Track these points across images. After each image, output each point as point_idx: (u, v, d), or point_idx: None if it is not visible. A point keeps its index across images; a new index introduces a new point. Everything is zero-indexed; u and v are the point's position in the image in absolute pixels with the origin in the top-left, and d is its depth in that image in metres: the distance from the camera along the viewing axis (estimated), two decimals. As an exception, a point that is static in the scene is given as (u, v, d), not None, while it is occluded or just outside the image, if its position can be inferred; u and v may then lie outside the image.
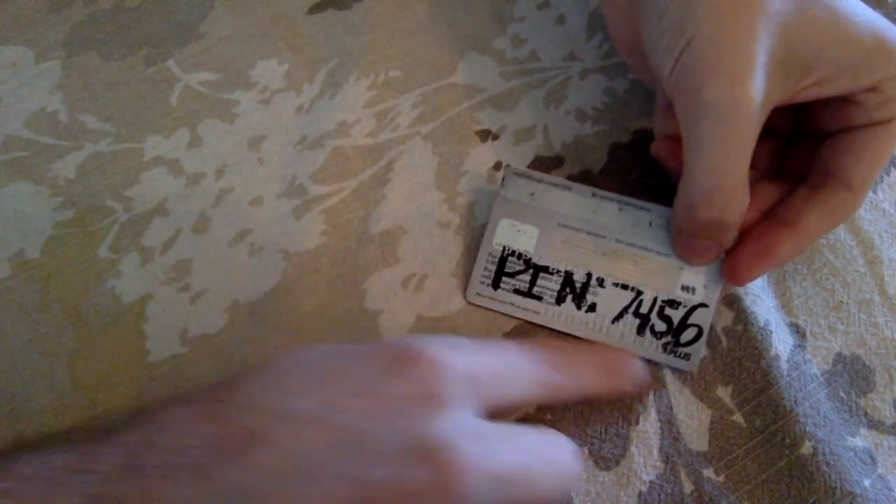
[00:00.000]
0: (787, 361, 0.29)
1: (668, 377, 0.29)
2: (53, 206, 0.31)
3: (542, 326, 0.30)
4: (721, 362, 0.30)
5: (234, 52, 0.34)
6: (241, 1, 0.35)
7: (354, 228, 0.32)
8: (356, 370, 0.23)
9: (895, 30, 0.25)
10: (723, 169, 0.25)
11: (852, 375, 0.30)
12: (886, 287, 0.31)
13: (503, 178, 0.30)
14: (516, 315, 0.30)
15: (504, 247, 0.30)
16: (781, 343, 0.30)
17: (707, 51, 0.24)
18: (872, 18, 0.25)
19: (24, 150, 0.32)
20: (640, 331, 0.29)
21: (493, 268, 0.30)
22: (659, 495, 0.28)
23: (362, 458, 0.21)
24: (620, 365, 0.28)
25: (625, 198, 0.30)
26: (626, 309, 0.29)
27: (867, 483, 0.28)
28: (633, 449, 0.28)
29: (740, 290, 0.30)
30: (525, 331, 0.30)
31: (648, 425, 0.29)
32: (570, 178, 0.32)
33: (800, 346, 0.30)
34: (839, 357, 0.30)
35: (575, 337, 0.30)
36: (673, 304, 0.29)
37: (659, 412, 0.29)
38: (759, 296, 0.30)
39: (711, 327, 0.30)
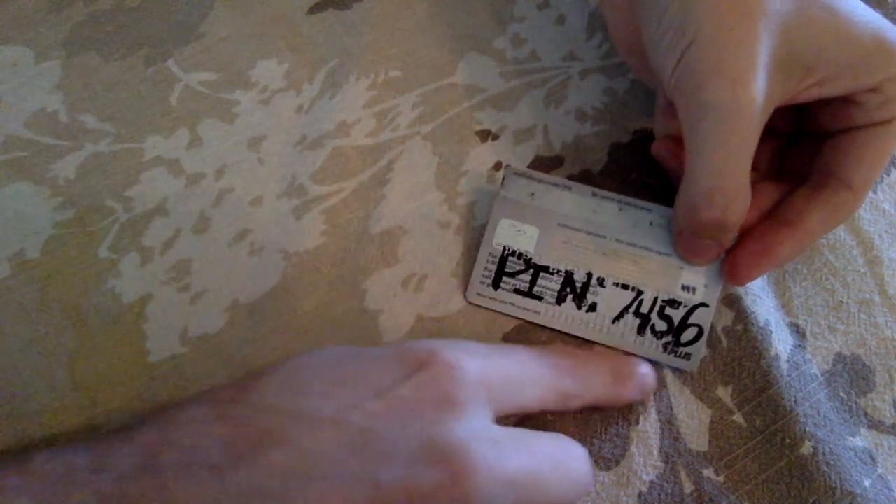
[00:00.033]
0: (787, 361, 0.29)
1: (669, 377, 0.29)
2: (53, 206, 0.31)
3: (542, 326, 0.30)
4: (721, 362, 0.30)
5: (234, 52, 0.34)
6: (241, 1, 0.35)
7: (354, 228, 0.32)
8: (371, 372, 0.23)
9: (895, 30, 0.25)
10: (724, 169, 0.25)
11: (852, 375, 0.30)
12: (886, 287, 0.31)
13: (503, 178, 0.30)
14: (516, 315, 0.30)
15: (504, 247, 0.30)
16: (781, 343, 0.30)
17: (708, 51, 0.24)
18: (873, 19, 0.25)
19: (24, 150, 0.32)
20: (641, 330, 0.29)
21: (494, 268, 0.30)
22: (659, 495, 0.28)
23: (376, 460, 0.21)
24: (630, 372, 0.28)
25: (625, 198, 0.30)
26: (626, 309, 0.29)
27: (867, 483, 0.28)
28: (633, 449, 0.28)
29: (740, 290, 0.30)
30: (525, 331, 0.30)
31: (648, 425, 0.29)
32: (571, 178, 0.32)
33: (800, 346, 0.30)
34: (839, 357, 0.30)
35: (575, 337, 0.30)
36: (673, 303, 0.29)
37: (659, 412, 0.29)
38: (759, 296, 0.30)
39: (711, 327, 0.30)
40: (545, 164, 0.33)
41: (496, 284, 0.30)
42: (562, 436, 0.25)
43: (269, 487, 0.20)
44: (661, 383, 0.29)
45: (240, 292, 0.30)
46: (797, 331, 0.30)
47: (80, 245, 0.31)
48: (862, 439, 0.29)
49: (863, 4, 0.25)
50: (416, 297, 0.31)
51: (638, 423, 0.29)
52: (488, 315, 0.30)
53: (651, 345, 0.29)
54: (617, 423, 0.29)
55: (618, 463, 0.28)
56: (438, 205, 0.32)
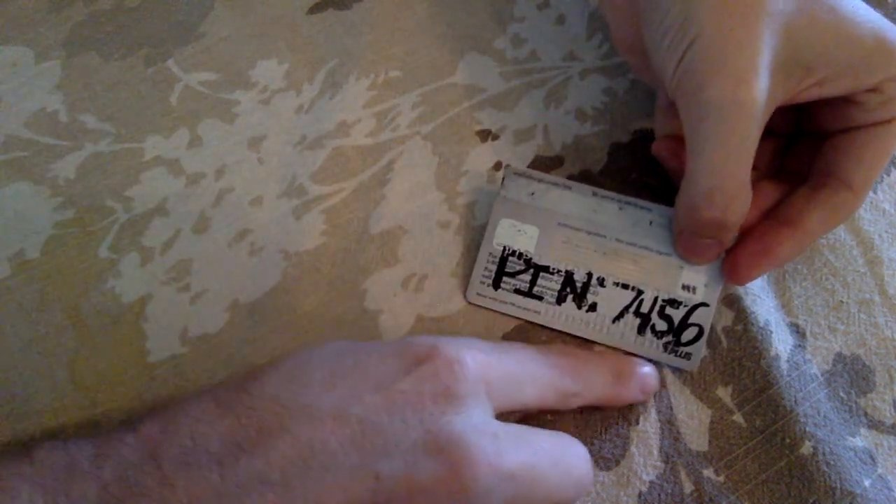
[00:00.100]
0: (787, 361, 0.29)
1: (669, 377, 0.29)
2: (53, 206, 0.31)
3: (542, 326, 0.30)
4: (721, 362, 0.30)
5: (234, 52, 0.34)
6: (241, 1, 0.35)
7: (354, 228, 0.32)
8: (373, 366, 0.23)
9: (895, 30, 0.25)
10: (724, 169, 0.25)
11: (852, 375, 0.30)
12: (886, 287, 0.31)
13: (503, 178, 0.30)
14: (517, 315, 0.30)
15: (504, 246, 0.30)
16: (781, 343, 0.30)
17: (710, 51, 0.24)
18: (874, 19, 0.25)
19: (24, 150, 0.32)
20: (641, 330, 0.29)
21: (494, 268, 0.30)
22: (659, 495, 0.28)
23: (377, 452, 0.21)
24: (631, 372, 0.28)
25: (625, 197, 0.30)
26: (626, 308, 0.29)
27: (867, 483, 0.28)
28: (633, 449, 0.28)
29: (740, 290, 0.30)
30: (525, 331, 0.30)
31: (648, 425, 0.29)
32: (571, 178, 0.32)
33: (800, 346, 0.30)
34: (839, 357, 0.30)
35: (576, 337, 0.30)
36: (674, 303, 0.29)
37: (659, 412, 0.29)
38: (759, 296, 0.30)
39: (711, 327, 0.30)
40: (545, 164, 0.33)
41: (496, 284, 0.30)
42: (563, 433, 0.25)
43: (268, 477, 0.21)
44: (661, 383, 0.29)
45: (240, 292, 0.30)
46: (797, 331, 0.30)
47: (80, 245, 0.31)
48: (862, 439, 0.29)
49: (864, 5, 0.25)
50: (416, 297, 0.31)
51: (638, 423, 0.29)
52: (488, 315, 0.30)
53: (651, 344, 0.29)
54: (617, 423, 0.29)
55: (618, 463, 0.28)
56: (438, 205, 0.32)
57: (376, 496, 0.21)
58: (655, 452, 0.28)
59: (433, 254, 0.31)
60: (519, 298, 0.30)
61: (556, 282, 0.30)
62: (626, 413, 0.29)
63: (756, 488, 0.28)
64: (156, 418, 0.22)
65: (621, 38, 0.29)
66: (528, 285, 0.30)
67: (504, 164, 0.33)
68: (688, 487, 0.28)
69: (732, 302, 0.30)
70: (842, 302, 0.31)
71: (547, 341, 0.30)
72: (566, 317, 0.30)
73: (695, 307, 0.29)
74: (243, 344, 0.30)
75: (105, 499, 0.20)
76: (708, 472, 0.28)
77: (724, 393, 0.29)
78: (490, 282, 0.30)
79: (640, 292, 0.29)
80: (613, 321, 0.29)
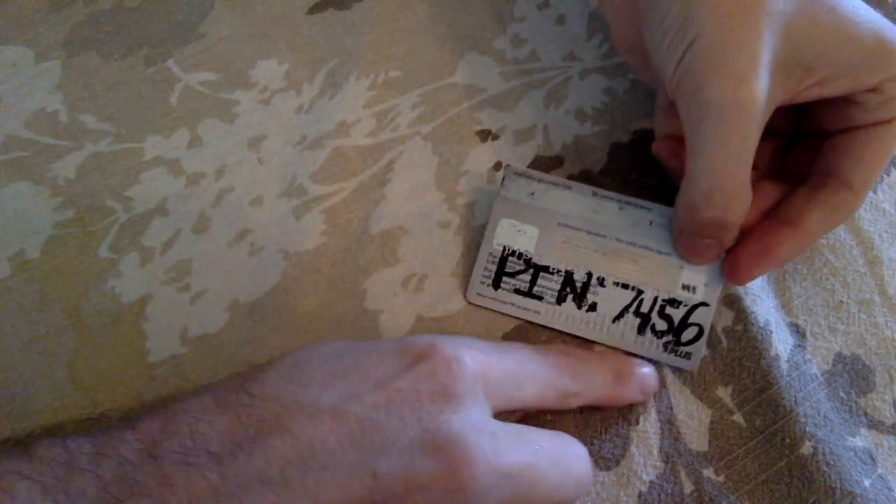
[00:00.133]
0: (787, 361, 0.29)
1: (669, 377, 0.29)
2: (53, 206, 0.31)
3: (542, 326, 0.30)
4: (721, 362, 0.30)
5: (234, 52, 0.34)
6: (241, 1, 0.35)
7: (354, 228, 0.32)
8: (372, 365, 0.23)
9: (895, 30, 0.25)
10: (724, 169, 0.25)
11: (852, 375, 0.30)
12: (886, 287, 0.31)
13: (503, 178, 0.30)
14: (517, 315, 0.30)
15: (504, 246, 0.30)
16: (781, 343, 0.30)
17: (710, 51, 0.24)
18: (874, 19, 0.25)
19: (24, 150, 0.32)
20: (641, 330, 0.29)
21: (494, 268, 0.30)
22: (659, 495, 0.28)
23: (374, 450, 0.21)
24: (631, 373, 0.28)
25: (625, 197, 0.30)
26: (626, 308, 0.29)
27: (867, 483, 0.28)
28: (633, 449, 0.28)
29: (740, 290, 0.30)
30: (525, 331, 0.30)
31: (648, 425, 0.29)
32: (571, 178, 0.32)
33: (800, 346, 0.30)
34: (839, 357, 0.30)
35: (576, 337, 0.30)
36: (674, 303, 0.29)
37: (659, 412, 0.29)
38: (759, 296, 0.30)
39: (711, 327, 0.30)
40: (545, 164, 0.33)
41: (496, 284, 0.30)
42: (562, 433, 0.25)
43: (268, 476, 0.21)
44: (661, 383, 0.29)
45: (240, 292, 0.30)
46: (797, 331, 0.30)
47: (80, 245, 0.31)
48: (862, 439, 0.29)
49: (864, 5, 0.25)
50: (416, 297, 0.31)
51: (638, 423, 0.29)
52: (488, 315, 0.30)
53: (651, 344, 0.29)
54: (617, 423, 0.29)
55: (618, 463, 0.28)
56: (438, 205, 0.32)
57: (374, 494, 0.21)
58: (655, 452, 0.28)
59: (433, 254, 0.31)
60: (519, 298, 0.30)
61: (556, 282, 0.30)
62: (626, 413, 0.29)
63: (756, 488, 0.28)
64: (155, 416, 0.22)
65: (621, 38, 0.29)
66: (528, 285, 0.30)
67: (504, 164, 0.33)
68: (688, 487, 0.28)
69: (732, 302, 0.30)
70: (842, 302, 0.31)
71: (547, 341, 0.30)
72: (566, 317, 0.30)
73: (695, 307, 0.29)
74: (243, 344, 0.30)
75: (104, 497, 0.20)
76: (708, 472, 0.28)
77: (724, 393, 0.29)
78: (490, 282, 0.30)
79: (640, 292, 0.29)
80: (613, 321, 0.29)
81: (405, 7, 0.35)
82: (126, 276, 0.30)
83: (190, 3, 0.35)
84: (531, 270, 0.30)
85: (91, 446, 0.21)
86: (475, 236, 0.31)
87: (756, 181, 0.29)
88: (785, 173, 0.30)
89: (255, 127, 0.33)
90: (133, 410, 0.28)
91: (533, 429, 0.24)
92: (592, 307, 0.29)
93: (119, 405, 0.28)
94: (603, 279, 0.29)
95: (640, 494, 0.28)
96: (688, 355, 0.29)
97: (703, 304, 0.29)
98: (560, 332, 0.30)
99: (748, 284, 0.30)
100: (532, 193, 0.30)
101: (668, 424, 0.29)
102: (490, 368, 0.24)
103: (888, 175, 0.33)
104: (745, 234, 0.28)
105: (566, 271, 0.30)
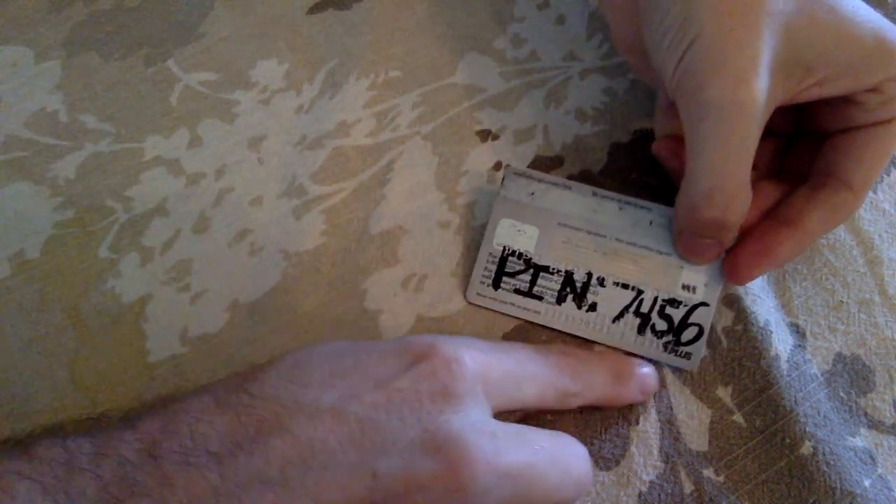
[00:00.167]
0: (787, 361, 0.29)
1: (669, 377, 0.29)
2: (53, 206, 0.31)
3: (542, 326, 0.30)
4: (721, 362, 0.30)
5: (234, 52, 0.34)
6: (241, 1, 0.35)
7: (354, 228, 0.32)
8: (372, 365, 0.23)
9: (895, 30, 0.25)
10: (724, 169, 0.25)
11: (852, 375, 0.30)
12: (886, 287, 0.31)
13: (503, 178, 0.30)
14: (517, 315, 0.30)
15: (504, 246, 0.30)
16: (781, 343, 0.30)
17: (710, 51, 0.24)
18: (874, 19, 0.25)
19: (24, 150, 0.32)
20: (641, 330, 0.29)
21: (494, 268, 0.30)
22: (659, 495, 0.28)
23: (374, 450, 0.21)
24: (630, 373, 0.28)
25: (625, 197, 0.30)
26: (626, 308, 0.29)
27: (867, 483, 0.28)
28: (633, 449, 0.28)
29: (740, 290, 0.30)
30: (525, 331, 0.30)
31: (648, 425, 0.29)
32: (571, 178, 0.32)
33: (800, 346, 0.30)
34: (839, 357, 0.30)
35: (576, 337, 0.30)
36: (674, 303, 0.29)
37: (659, 412, 0.29)
38: (759, 296, 0.30)
39: (711, 327, 0.30)
40: (545, 164, 0.33)
41: (496, 284, 0.30)
42: (562, 433, 0.25)
43: (267, 476, 0.21)
44: (661, 383, 0.29)
45: (240, 292, 0.30)
46: (797, 331, 0.30)
47: (80, 245, 0.31)
48: (862, 439, 0.29)
49: (864, 5, 0.25)
50: (416, 297, 0.31)
51: (638, 423, 0.29)
52: (488, 315, 0.30)
53: (651, 344, 0.29)
54: (617, 423, 0.29)
55: (618, 463, 0.28)
56: (438, 205, 0.32)
57: (374, 494, 0.21)
58: (655, 452, 0.28)
59: (433, 254, 0.31)
60: (519, 298, 0.30)
61: (556, 282, 0.30)
62: (626, 413, 0.29)
63: (756, 488, 0.28)
64: (155, 416, 0.22)
65: (621, 38, 0.29)
66: (528, 285, 0.30)
67: (504, 164, 0.33)
68: (688, 487, 0.28)
69: (732, 302, 0.30)
70: (842, 302, 0.31)
71: (547, 341, 0.30)
72: (566, 317, 0.30)
73: (695, 307, 0.29)
74: (243, 344, 0.30)
75: (104, 497, 0.20)
76: (708, 472, 0.28)
77: (724, 393, 0.29)
78: (490, 282, 0.30)
79: (640, 292, 0.29)
80: (613, 321, 0.29)
81: (405, 7, 0.35)
82: (126, 276, 0.30)
83: (190, 3, 0.35)
84: (531, 270, 0.30)
85: (91, 446, 0.21)
86: (475, 236, 0.31)
87: (756, 181, 0.29)
88: (785, 173, 0.30)
89: (255, 127, 0.33)
90: (133, 410, 0.28)
91: (533, 429, 0.24)
92: (592, 307, 0.29)
93: (119, 405, 0.28)
94: (603, 279, 0.29)
95: (640, 494, 0.28)
96: (688, 355, 0.29)
97: (703, 304, 0.29)
98: (560, 332, 0.30)
99: (748, 284, 0.30)
100: (532, 193, 0.30)
101: (668, 424, 0.29)
102: (490, 368, 0.24)
103: (888, 175, 0.33)
104: (745, 234, 0.28)
105: (566, 271, 0.30)
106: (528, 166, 0.33)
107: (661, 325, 0.29)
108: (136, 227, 0.31)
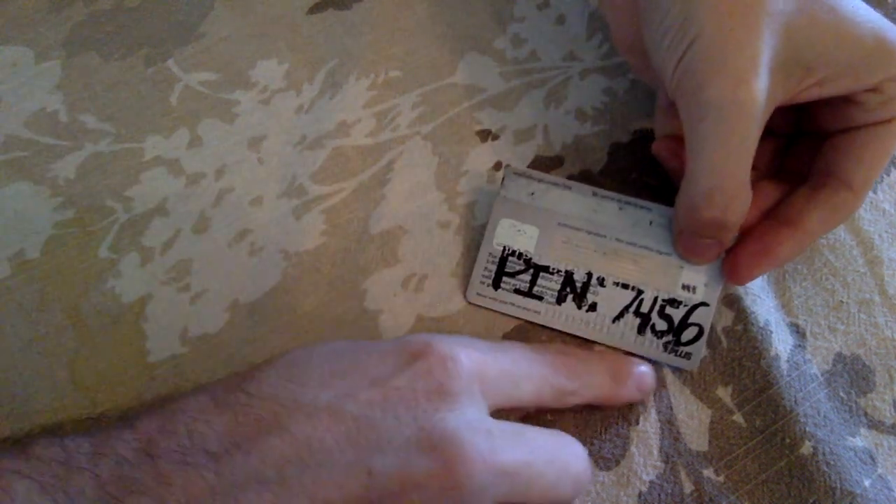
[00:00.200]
0: (787, 361, 0.29)
1: (669, 377, 0.29)
2: (53, 206, 0.31)
3: (542, 326, 0.30)
4: (721, 362, 0.30)
5: (234, 52, 0.34)
6: (241, 1, 0.35)
7: (354, 228, 0.32)
8: (368, 363, 0.23)
9: (895, 30, 0.25)
10: (724, 169, 0.25)
11: (852, 375, 0.30)
12: (886, 287, 0.31)
13: (503, 178, 0.30)
14: (517, 315, 0.30)
15: (504, 247, 0.30)
16: (781, 343, 0.30)
17: (710, 51, 0.24)
18: (874, 19, 0.25)
19: (24, 150, 0.32)
20: (641, 330, 0.29)
21: (494, 268, 0.30)
22: (659, 495, 0.28)
23: (370, 448, 0.21)
24: (628, 372, 0.28)
25: (625, 197, 0.30)
26: (626, 308, 0.29)
27: (867, 483, 0.28)
28: (633, 449, 0.28)
29: (740, 290, 0.30)
30: (525, 331, 0.30)
31: (648, 425, 0.29)
32: (570, 178, 0.32)
33: (800, 346, 0.30)
34: (839, 357, 0.30)
35: (576, 337, 0.30)
36: (674, 303, 0.29)
37: (659, 412, 0.29)
38: (759, 296, 0.30)
39: (711, 327, 0.30)
40: (545, 164, 0.33)
41: (496, 284, 0.30)
42: (559, 432, 0.25)
43: (265, 475, 0.21)
44: (661, 383, 0.29)
45: (240, 292, 0.30)
46: (797, 331, 0.30)
47: (80, 245, 0.31)
48: (862, 439, 0.29)
49: (864, 5, 0.25)
50: (416, 297, 0.31)
51: (638, 423, 0.29)
52: (488, 315, 0.30)
53: (651, 344, 0.29)
54: (617, 423, 0.29)
55: (618, 463, 0.28)
56: (438, 205, 0.32)
57: (370, 492, 0.21)
58: (655, 452, 0.28)
59: (433, 254, 0.31)
60: (519, 298, 0.30)
61: (556, 282, 0.30)
62: (626, 413, 0.29)
63: (756, 488, 0.28)
64: (153, 416, 0.22)
65: (621, 38, 0.29)
66: (527, 285, 0.30)
67: (504, 164, 0.33)
68: (688, 487, 0.28)
69: (732, 302, 0.30)
70: (842, 302, 0.31)
71: (547, 341, 0.30)
72: (566, 317, 0.30)
73: (695, 307, 0.29)
74: (243, 344, 0.30)
75: (102, 496, 0.20)
76: (708, 472, 0.28)
77: (724, 393, 0.29)
78: (490, 282, 0.30)
79: (640, 292, 0.29)
80: (613, 321, 0.29)
81: (405, 7, 0.35)
82: (126, 276, 0.30)
83: (190, 3, 0.35)
84: (531, 270, 0.30)
85: (89, 445, 0.21)
86: (475, 236, 0.31)
87: (756, 181, 0.29)
88: (785, 173, 0.30)
89: (255, 127, 0.33)
90: (132, 410, 0.28)
91: (530, 427, 0.24)
92: (592, 307, 0.29)
93: (119, 405, 0.28)
94: (603, 279, 0.29)
95: (640, 494, 0.28)
96: (688, 355, 0.29)
97: (703, 304, 0.29)
98: (560, 332, 0.30)
99: (748, 284, 0.30)
100: (532, 193, 0.30)
101: (668, 424, 0.29)
102: (486, 367, 0.24)
103: (888, 175, 0.33)
104: (745, 234, 0.28)
105: (566, 271, 0.30)
106: (528, 166, 0.33)
107: (661, 325, 0.29)
108: (136, 227, 0.31)
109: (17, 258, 0.30)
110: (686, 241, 0.28)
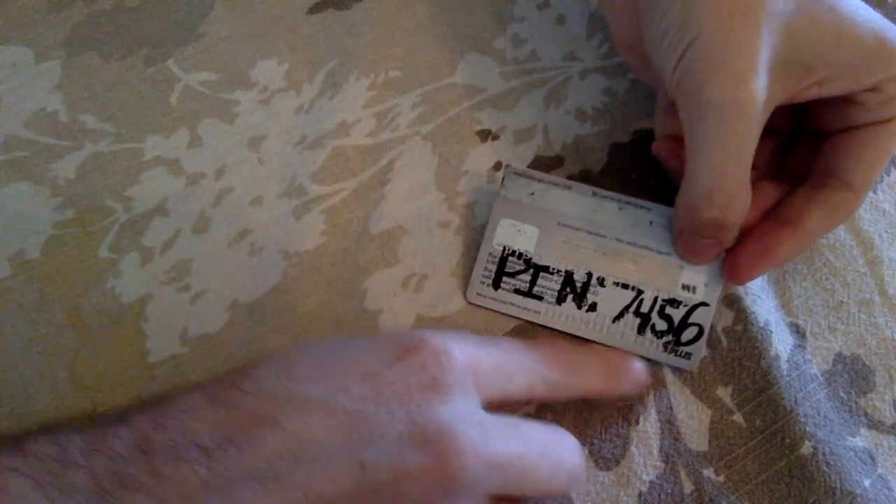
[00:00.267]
0: (787, 361, 0.29)
1: (669, 377, 0.29)
2: (53, 206, 0.31)
3: (542, 326, 0.30)
4: (721, 362, 0.30)
5: (234, 52, 0.34)
6: (241, 1, 0.35)
7: (354, 228, 0.32)
8: (362, 359, 0.23)
9: (895, 30, 0.25)
10: (724, 169, 0.25)
11: (852, 375, 0.30)
12: (886, 287, 0.31)
13: (503, 178, 0.30)
14: (517, 315, 0.30)
15: (504, 246, 0.30)
16: (781, 343, 0.30)
17: (710, 51, 0.24)
18: (873, 19, 0.25)
19: (24, 150, 0.32)
20: (641, 330, 0.29)
21: (494, 268, 0.30)
22: (659, 495, 0.28)
23: (363, 442, 0.21)
24: (621, 366, 0.28)
25: (625, 197, 0.30)
26: (626, 308, 0.29)
27: (867, 483, 0.28)
28: (633, 449, 0.28)
29: (740, 290, 0.30)
30: (525, 331, 0.30)
31: (648, 425, 0.29)
32: (570, 178, 0.32)
33: (800, 346, 0.30)
34: (839, 357, 0.30)
35: (576, 337, 0.30)
36: (674, 303, 0.29)
37: (659, 412, 0.29)
38: (759, 296, 0.30)
39: (711, 327, 0.30)
40: (545, 164, 0.33)
41: (496, 284, 0.30)
42: (553, 425, 0.25)
43: (258, 470, 0.21)
44: (661, 383, 0.29)
45: (240, 292, 0.30)
46: (797, 331, 0.30)
47: (80, 245, 0.31)
48: (862, 439, 0.29)
49: (864, 5, 0.25)
50: (416, 297, 0.31)
51: (638, 423, 0.29)
52: (488, 315, 0.30)
53: (651, 344, 0.29)
54: (617, 423, 0.29)
55: (618, 463, 0.28)
56: (438, 205, 0.32)
57: (363, 486, 0.21)
58: (655, 452, 0.28)
59: (433, 254, 0.31)
60: (519, 298, 0.30)
61: (556, 282, 0.30)
62: (626, 413, 0.29)
63: (756, 488, 0.28)
64: (148, 412, 0.22)
65: (621, 38, 0.29)
66: (527, 285, 0.30)
67: (504, 164, 0.33)
68: (688, 487, 0.28)
69: (732, 302, 0.30)
70: (842, 302, 0.31)
71: (547, 341, 0.30)
72: (566, 317, 0.30)
73: (695, 307, 0.29)
74: (243, 344, 0.30)
75: (97, 492, 0.20)
76: (708, 472, 0.28)
77: (724, 393, 0.29)
78: (490, 282, 0.30)
79: (640, 292, 0.29)
80: (613, 321, 0.29)
81: (405, 7, 0.35)
82: (126, 276, 0.30)
83: (190, 3, 0.35)
84: (531, 270, 0.30)
85: (83, 442, 0.21)
86: (475, 236, 0.31)
87: (756, 181, 0.29)
88: (785, 173, 0.30)
89: (255, 127, 0.33)
90: (129, 408, 0.28)
91: (524, 420, 0.24)
92: (592, 307, 0.29)
93: (119, 405, 0.28)
94: (603, 279, 0.29)
95: (640, 494, 0.28)
96: (688, 355, 0.29)
97: (703, 304, 0.29)
98: (560, 332, 0.30)
99: (748, 284, 0.30)
100: (532, 193, 0.30)
101: (668, 424, 0.29)
102: (479, 360, 0.24)
103: (888, 175, 0.33)
104: (745, 234, 0.28)
105: (566, 271, 0.30)
106: (528, 166, 0.33)
107: (661, 325, 0.29)
108: (136, 227, 0.31)
109: (17, 258, 0.30)
110: (686, 241, 0.28)
